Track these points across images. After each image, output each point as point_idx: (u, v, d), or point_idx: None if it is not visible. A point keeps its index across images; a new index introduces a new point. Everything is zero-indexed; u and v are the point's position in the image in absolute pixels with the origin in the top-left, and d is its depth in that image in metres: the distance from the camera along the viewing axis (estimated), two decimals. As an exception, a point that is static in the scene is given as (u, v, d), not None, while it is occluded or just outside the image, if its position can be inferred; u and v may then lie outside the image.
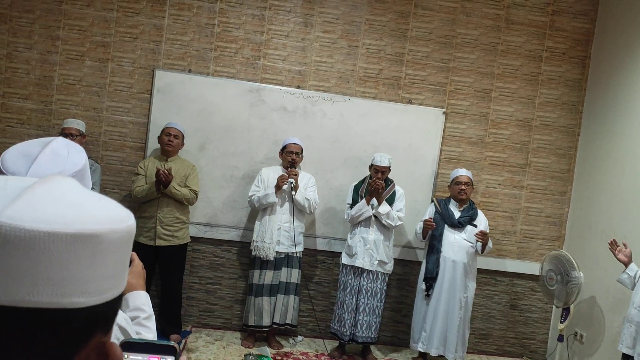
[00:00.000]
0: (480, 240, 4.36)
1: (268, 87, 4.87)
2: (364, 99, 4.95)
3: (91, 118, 4.77)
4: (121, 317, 1.23)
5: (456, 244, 4.45)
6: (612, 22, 4.86)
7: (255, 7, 4.88)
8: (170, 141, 4.48)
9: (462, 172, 4.59)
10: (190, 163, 4.61)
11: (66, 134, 4.37)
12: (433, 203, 4.66)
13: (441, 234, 4.47)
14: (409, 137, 4.97)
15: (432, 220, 4.45)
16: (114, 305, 0.62)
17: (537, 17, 5.05)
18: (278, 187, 4.43)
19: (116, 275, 0.61)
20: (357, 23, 4.95)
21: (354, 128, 4.93)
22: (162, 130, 4.54)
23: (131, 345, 0.76)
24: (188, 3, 4.83)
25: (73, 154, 1.15)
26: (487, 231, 4.49)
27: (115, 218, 0.60)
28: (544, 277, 4.64)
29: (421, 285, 4.54)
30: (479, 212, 4.60)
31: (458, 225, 4.47)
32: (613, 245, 3.72)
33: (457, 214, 4.53)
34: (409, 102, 4.99)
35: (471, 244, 4.45)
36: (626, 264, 3.62)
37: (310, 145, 4.84)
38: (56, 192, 0.58)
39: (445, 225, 4.49)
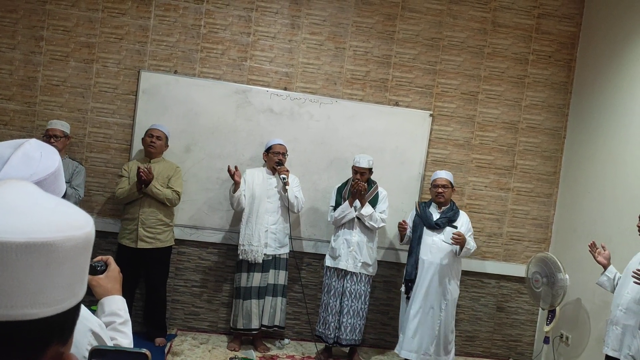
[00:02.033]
0: (455, 242, 4.25)
1: (255, 89, 4.85)
2: (351, 101, 4.95)
3: (76, 119, 4.73)
4: (95, 323, 1.21)
5: (434, 246, 4.38)
6: (597, 26, 4.89)
7: (241, 8, 4.86)
8: (153, 142, 4.45)
9: (441, 175, 4.54)
10: (174, 164, 4.57)
11: (50, 135, 4.33)
12: (415, 207, 4.63)
13: (420, 236, 4.42)
14: (395, 139, 4.97)
15: (405, 222, 4.43)
16: (72, 314, 0.60)
17: (524, 20, 5.07)
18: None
19: (73, 284, 0.59)
20: (344, 25, 4.94)
21: (341, 130, 4.92)
22: (146, 132, 4.51)
23: (102, 353, 0.74)
24: (174, 4, 4.80)
25: (46, 157, 1.12)
26: (470, 232, 4.42)
27: (71, 225, 0.58)
28: (529, 279, 4.65)
29: (402, 288, 4.53)
30: (461, 213, 4.54)
31: (436, 227, 4.40)
32: (593, 247, 3.75)
33: (436, 216, 4.47)
34: (396, 104, 4.99)
35: (450, 245, 4.38)
36: (605, 266, 3.65)
37: (297, 147, 4.82)
38: (8, 199, 0.56)
39: (424, 228, 4.44)
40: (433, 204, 4.56)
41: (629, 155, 4.25)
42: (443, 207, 4.51)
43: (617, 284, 3.56)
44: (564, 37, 5.12)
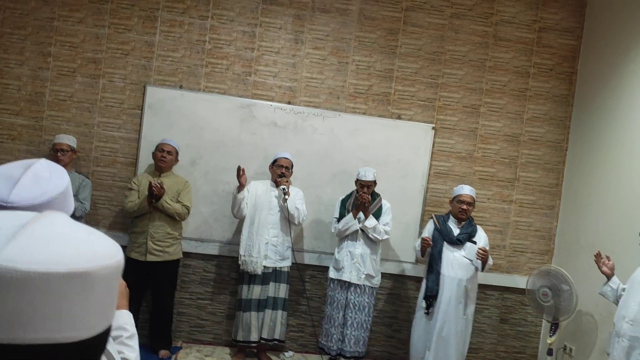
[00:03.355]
0: (481, 257, 4.26)
1: (259, 103, 4.91)
2: (354, 114, 5.00)
3: (82, 134, 4.79)
4: None
5: (455, 262, 4.36)
6: (597, 39, 4.94)
7: (246, 24, 4.93)
8: (164, 157, 4.51)
9: (466, 191, 4.47)
10: (184, 179, 4.62)
11: (57, 149, 4.39)
12: (432, 220, 4.58)
13: (440, 252, 4.38)
14: (398, 152, 5.01)
15: (429, 239, 4.38)
16: (104, 337, 0.65)
17: (525, 34, 5.13)
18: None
19: (105, 309, 0.64)
20: (346, 40, 5.00)
21: (344, 143, 4.97)
22: (157, 146, 4.57)
23: None
24: (179, 20, 4.88)
25: (55, 176, 1.15)
26: (487, 247, 4.41)
27: (105, 254, 0.63)
28: (536, 292, 4.64)
29: (421, 304, 4.47)
30: (479, 228, 4.51)
31: (457, 243, 4.38)
32: (598, 257, 3.76)
33: (456, 231, 4.44)
34: (399, 117, 5.04)
35: (471, 261, 4.36)
36: (609, 277, 3.66)
37: (301, 160, 4.87)
38: (48, 231, 0.61)
39: (444, 243, 4.41)
40: (452, 218, 4.52)
41: (630, 167, 4.28)
42: (463, 222, 4.48)
43: (620, 295, 3.56)
44: (564, 50, 5.17)
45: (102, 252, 0.63)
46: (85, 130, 4.82)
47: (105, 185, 4.84)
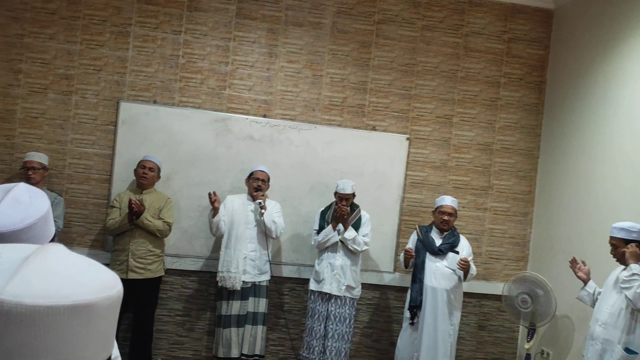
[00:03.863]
0: (462, 267, 4.31)
1: (234, 117, 4.91)
2: (330, 126, 5.03)
3: (55, 151, 4.73)
4: None
5: (438, 272, 4.40)
6: (564, 48, 5.07)
7: (219, 38, 4.94)
8: (145, 174, 4.47)
9: (447, 202, 4.52)
10: (166, 195, 4.59)
11: (28, 167, 4.32)
12: (416, 231, 4.62)
13: (423, 262, 4.42)
14: (374, 162, 5.05)
15: (411, 250, 4.44)
16: None
17: (494, 45, 5.23)
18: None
19: (107, 339, 0.66)
20: (320, 53, 5.05)
21: (321, 155, 4.99)
22: (138, 163, 4.53)
23: None
24: (152, 35, 4.86)
25: (35, 201, 1.14)
26: (471, 257, 4.46)
27: (106, 285, 0.64)
28: (514, 300, 4.70)
29: (406, 314, 4.50)
30: (462, 237, 4.57)
31: (439, 253, 4.42)
32: (573, 263, 3.84)
33: (438, 241, 4.48)
34: (374, 128, 5.09)
35: (453, 271, 4.40)
36: (585, 281, 3.74)
37: (278, 172, 4.87)
38: (50, 265, 0.62)
39: (427, 253, 4.45)
40: (434, 228, 4.57)
41: (600, 173, 4.38)
42: (445, 233, 4.53)
43: (596, 298, 3.63)
44: (533, 60, 5.28)
45: (104, 283, 0.64)
46: (58, 148, 4.75)
47: (79, 202, 4.77)
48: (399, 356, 4.53)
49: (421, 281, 4.40)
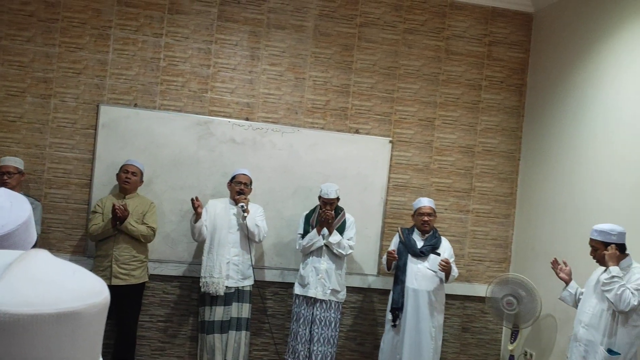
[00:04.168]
0: (443, 269, 4.34)
1: (216, 120, 4.88)
2: (313, 129, 5.02)
3: (33, 155, 4.65)
4: None
5: (419, 273, 4.42)
6: (544, 52, 5.12)
7: (201, 41, 4.91)
8: (128, 178, 4.41)
9: (425, 203, 4.56)
10: (149, 200, 4.53)
11: (3, 172, 4.23)
12: (398, 233, 4.64)
13: (405, 264, 4.45)
14: (357, 165, 5.05)
15: (394, 252, 4.46)
16: None
17: (475, 48, 5.27)
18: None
19: (94, 346, 0.63)
20: (303, 56, 5.04)
21: (304, 158, 4.98)
22: (121, 168, 4.46)
23: None
24: (133, 38, 4.81)
25: (16, 207, 1.11)
26: (452, 258, 4.49)
27: (92, 291, 0.62)
28: (500, 302, 4.72)
29: (388, 316, 4.51)
30: (443, 239, 4.61)
31: (420, 255, 4.45)
32: (555, 264, 3.87)
33: (419, 243, 4.52)
34: (356, 131, 5.09)
35: (435, 273, 4.42)
36: (567, 282, 3.76)
37: (261, 176, 4.85)
38: (34, 271, 0.60)
39: (409, 255, 4.47)
40: (416, 230, 4.60)
41: (580, 174, 4.43)
42: (426, 234, 4.56)
43: (578, 299, 3.66)
44: (514, 63, 5.34)
45: (90, 290, 0.62)
46: (37, 152, 4.67)
47: (59, 208, 4.69)
48: (382, 359, 4.53)
49: (403, 283, 4.43)
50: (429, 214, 4.52)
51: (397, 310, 4.42)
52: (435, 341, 4.44)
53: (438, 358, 4.50)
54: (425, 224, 4.51)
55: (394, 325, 4.44)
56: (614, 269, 3.25)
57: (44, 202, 4.57)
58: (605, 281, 3.26)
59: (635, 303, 3.18)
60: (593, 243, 3.45)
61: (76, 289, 0.61)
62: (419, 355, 4.37)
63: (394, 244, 4.61)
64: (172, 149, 4.79)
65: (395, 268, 4.50)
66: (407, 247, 4.49)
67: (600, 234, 3.40)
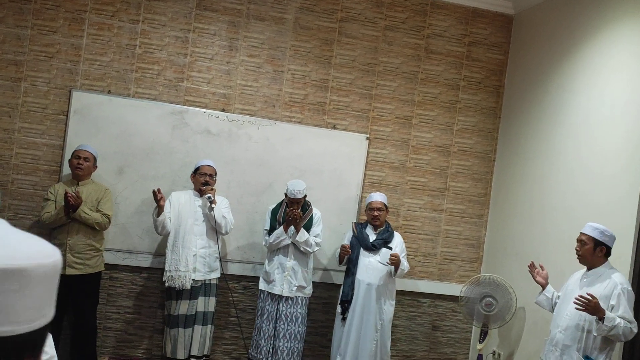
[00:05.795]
0: (392, 262, 4.38)
1: (192, 110, 4.80)
2: (290, 123, 4.98)
3: (1, 140, 4.53)
4: None
5: (370, 267, 4.49)
6: (523, 54, 5.15)
7: (178, 29, 4.82)
8: (80, 164, 4.29)
9: (375, 198, 4.66)
10: (104, 186, 4.42)
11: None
12: (352, 227, 4.71)
13: (357, 257, 4.52)
14: (333, 161, 5.02)
15: (348, 246, 4.51)
16: (42, 332, 0.69)
17: (455, 48, 5.27)
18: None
19: (42, 307, 0.68)
20: (282, 49, 4.98)
21: (280, 152, 4.93)
22: (72, 153, 4.35)
23: None
24: (108, 23, 4.70)
25: None
26: (404, 253, 4.57)
27: (42, 254, 0.67)
28: (478, 303, 4.72)
29: (338, 309, 4.58)
30: (396, 234, 4.68)
31: (372, 248, 4.52)
32: (532, 267, 3.82)
33: (372, 237, 4.59)
34: (334, 127, 5.06)
35: (386, 266, 4.47)
36: (543, 286, 3.71)
37: (236, 168, 4.79)
38: None
39: (361, 249, 4.54)
40: (369, 225, 4.66)
41: (555, 177, 4.46)
42: (379, 229, 4.62)
43: (555, 302, 3.63)
44: (492, 65, 5.35)
45: (40, 251, 0.67)
46: (5, 136, 4.55)
47: (26, 194, 4.58)
48: (333, 353, 4.57)
49: (354, 275, 4.50)
50: (379, 209, 4.60)
51: (347, 303, 4.48)
52: (381, 334, 4.47)
53: (386, 351, 4.53)
54: (375, 219, 4.59)
55: (344, 318, 4.49)
56: (608, 318, 3.11)
57: (10, 188, 4.45)
58: (609, 332, 3.12)
59: (636, 331, 3.14)
60: (584, 237, 3.35)
61: (25, 250, 0.65)
62: (364, 347, 4.42)
63: (347, 239, 4.66)
64: (145, 138, 4.70)
65: (348, 261, 4.55)
66: (359, 241, 4.56)
67: (595, 231, 3.31)
